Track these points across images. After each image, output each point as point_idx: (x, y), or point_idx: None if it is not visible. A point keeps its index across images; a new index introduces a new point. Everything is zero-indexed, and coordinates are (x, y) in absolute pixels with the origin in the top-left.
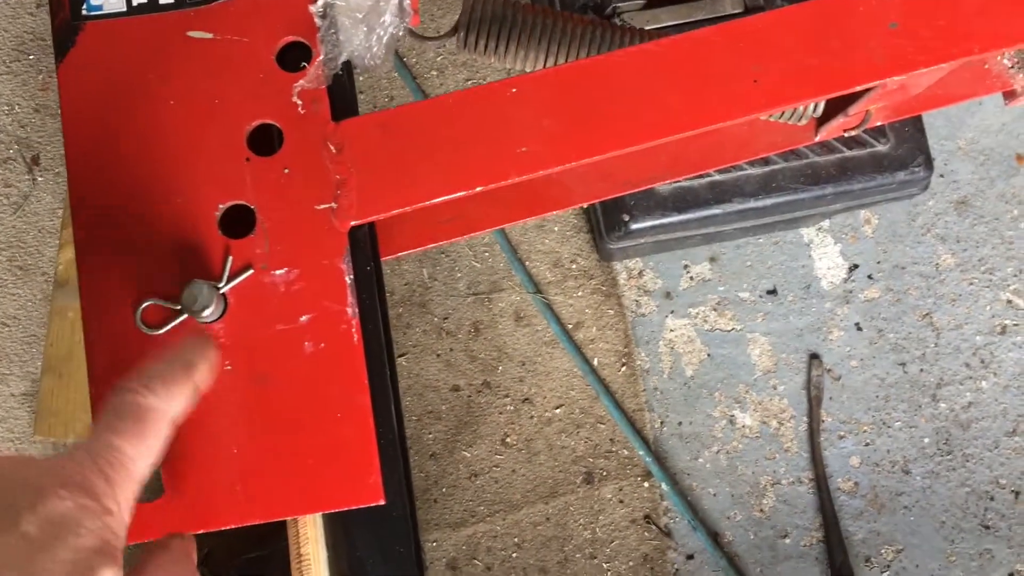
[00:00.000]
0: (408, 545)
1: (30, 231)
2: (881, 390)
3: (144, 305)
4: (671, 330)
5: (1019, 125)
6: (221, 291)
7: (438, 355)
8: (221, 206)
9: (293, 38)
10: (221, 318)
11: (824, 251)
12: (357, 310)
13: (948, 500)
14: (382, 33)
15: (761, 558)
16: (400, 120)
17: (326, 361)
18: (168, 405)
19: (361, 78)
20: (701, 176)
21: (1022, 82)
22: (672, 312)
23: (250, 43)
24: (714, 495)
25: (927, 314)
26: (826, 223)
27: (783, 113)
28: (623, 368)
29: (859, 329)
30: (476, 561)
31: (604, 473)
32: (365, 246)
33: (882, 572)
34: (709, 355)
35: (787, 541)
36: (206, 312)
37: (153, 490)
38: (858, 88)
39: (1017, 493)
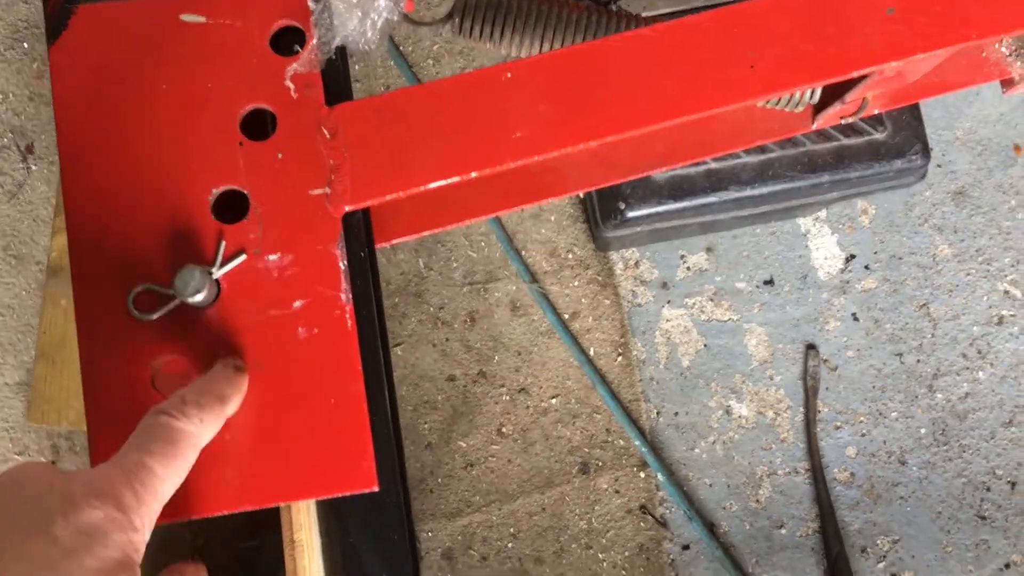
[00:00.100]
0: (402, 532)
1: (24, 220)
2: (878, 380)
3: (136, 290)
4: (667, 320)
5: (1017, 115)
6: (214, 276)
7: (434, 345)
8: (214, 191)
9: (287, 22)
10: (214, 303)
11: (821, 241)
12: (351, 296)
13: (944, 491)
14: (376, 18)
15: (757, 548)
16: (394, 105)
17: (320, 347)
18: (200, 431)
19: (357, 67)
20: (697, 164)
21: (1020, 70)
22: (668, 302)
23: (243, 27)
24: (710, 485)
25: (924, 304)
26: (823, 213)
27: (779, 100)
28: (619, 358)
29: (856, 319)
30: (472, 551)
31: (600, 463)
32: (359, 232)
33: (878, 562)
34: (705, 345)
35: (783, 531)
36: (199, 297)
37: None
38: (855, 74)
39: (1013, 484)
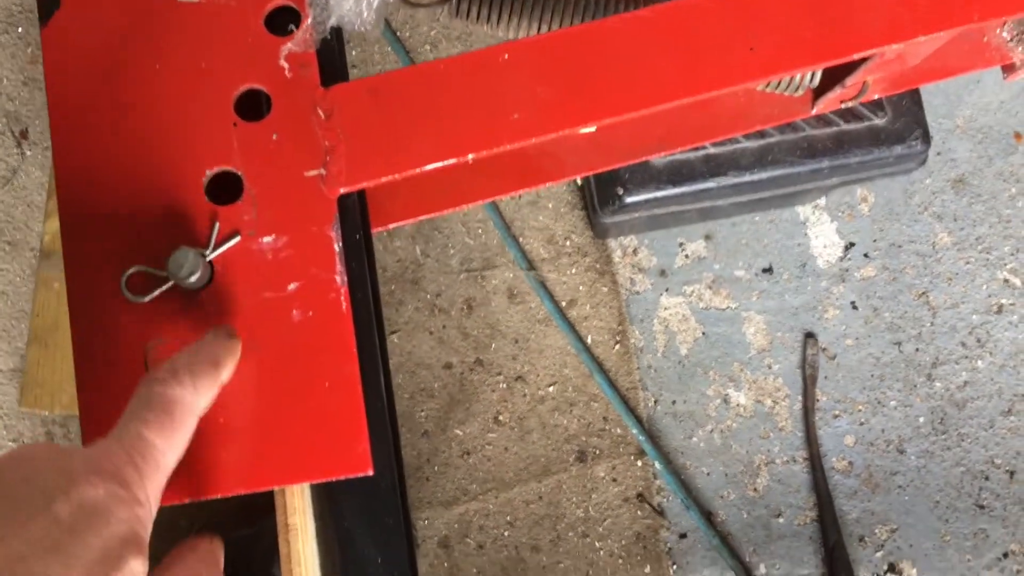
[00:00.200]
0: (397, 516)
1: (18, 206)
2: (876, 369)
3: (129, 272)
4: (665, 308)
5: (1017, 103)
6: (207, 258)
7: (430, 332)
8: (208, 172)
9: (281, 1)
10: (207, 285)
11: (820, 229)
12: (346, 278)
13: (943, 480)
14: None
15: (754, 537)
16: (391, 86)
17: (314, 329)
18: (195, 398)
19: (353, 52)
20: (696, 149)
21: (1021, 55)
22: (667, 290)
23: (238, 6)
24: (707, 474)
25: (923, 293)
26: (822, 201)
27: (779, 83)
28: (617, 346)
29: (855, 308)
30: (468, 539)
31: (597, 452)
32: (354, 214)
33: (876, 551)
34: (704, 333)
35: (781, 520)
36: (192, 279)
37: None
38: (855, 57)
39: (1012, 473)
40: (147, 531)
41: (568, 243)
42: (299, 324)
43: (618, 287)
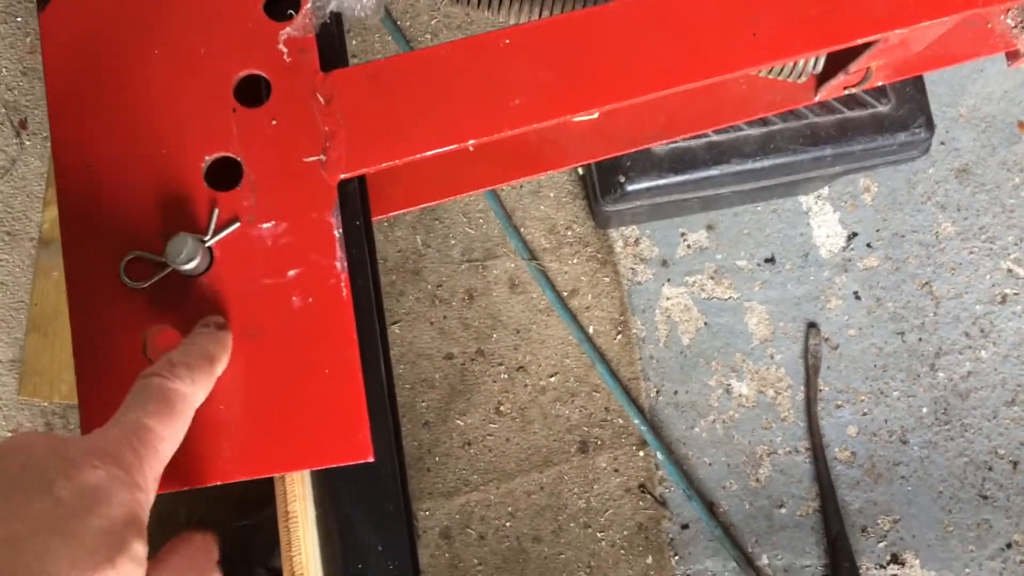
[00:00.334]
0: (397, 503)
1: (18, 196)
2: (879, 359)
3: (128, 258)
4: (667, 298)
5: (1021, 92)
6: (207, 244)
7: (431, 323)
8: (207, 158)
9: None
10: (207, 272)
11: (823, 219)
12: (346, 264)
13: (946, 470)
14: None
15: (757, 528)
16: (391, 71)
17: (314, 316)
18: (192, 390)
19: (354, 42)
20: (698, 137)
21: None
22: (669, 280)
23: None
24: (710, 465)
25: (926, 283)
26: (825, 190)
27: (782, 69)
28: (619, 336)
29: (857, 298)
30: (469, 530)
31: (599, 442)
32: (354, 200)
33: (879, 542)
34: (706, 323)
35: (783, 511)
36: (191, 265)
37: None
38: (859, 42)
39: (1015, 463)
40: (146, 514)
41: (570, 233)
42: (299, 310)
43: (620, 277)
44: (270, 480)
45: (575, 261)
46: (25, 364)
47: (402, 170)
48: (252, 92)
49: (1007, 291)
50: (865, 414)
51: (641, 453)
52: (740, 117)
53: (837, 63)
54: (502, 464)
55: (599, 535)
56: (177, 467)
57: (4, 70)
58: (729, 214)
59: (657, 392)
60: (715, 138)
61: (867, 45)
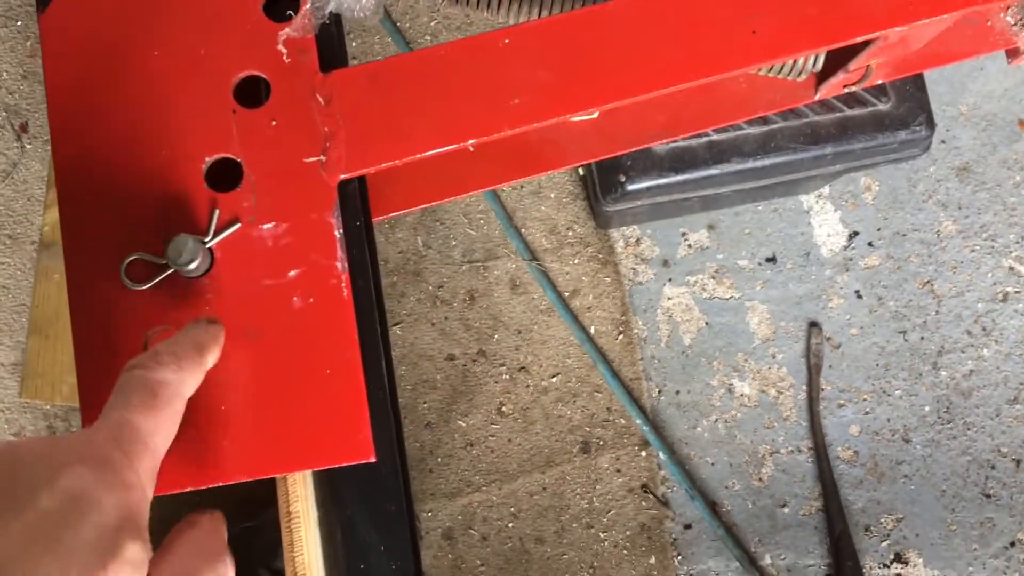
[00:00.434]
0: (399, 503)
1: (19, 199)
2: (881, 358)
3: (129, 259)
4: (669, 298)
5: (1022, 91)
6: (207, 245)
7: (433, 324)
8: (207, 159)
9: None
10: (208, 273)
11: (824, 218)
12: (347, 265)
13: (949, 469)
14: None
15: (759, 527)
16: (390, 71)
17: (315, 316)
18: (179, 378)
19: (354, 44)
20: (699, 136)
21: None
22: (670, 280)
23: None
24: (712, 464)
25: (928, 281)
26: (826, 190)
27: (782, 68)
28: (620, 336)
29: (859, 297)
30: (472, 531)
31: (601, 442)
32: (355, 200)
33: (882, 541)
34: (707, 323)
35: (786, 510)
36: (192, 266)
37: None
38: (859, 39)
39: (1018, 462)
40: (143, 514)
41: (570, 233)
42: (300, 311)
43: (621, 277)
44: (272, 481)
45: (576, 261)
46: (27, 366)
47: (402, 171)
48: (252, 93)
49: (1009, 289)
50: (867, 413)
51: (643, 453)
52: (740, 116)
53: (837, 61)
54: (504, 465)
55: (602, 535)
56: (180, 468)
57: (4, 74)
58: (730, 213)
59: (659, 392)
60: (715, 137)
61: (867, 43)
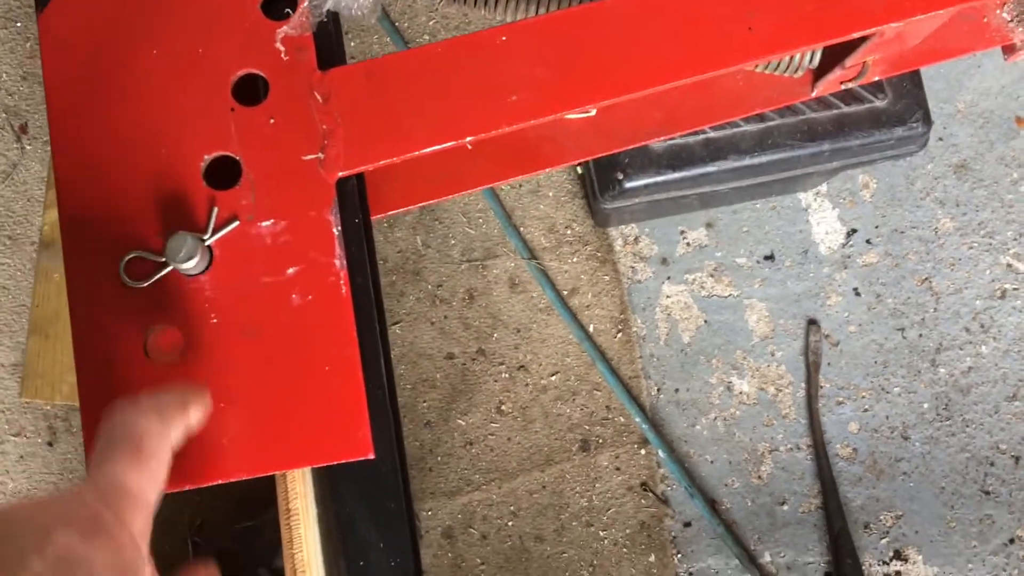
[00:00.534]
0: (399, 501)
1: (19, 200)
2: (880, 356)
3: (128, 257)
4: (667, 296)
5: (1019, 87)
6: (206, 243)
7: (432, 323)
8: (206, 157)
9: None
10: (207, 270)
11: (822, 216)
12: (345, 262)
13: (948, 466)
14: None
15: (759, 525)
16: (388, 69)
17: (314, 314)
18: (162, 427)
19: (352, 44)
20: (696, 133)
21: (1021, 36)
22: (668, 278)
23: None
24: (711, 462)
25: (926, 279)
26: (824, 187)
27: (779, 65)
28: (619, 335)
29: (857, 294)
30: (472, 530)
31: (600, 441)
32: (353, 198)
33: (881, 538)
34: (706, 321)
35: (785, 508)
36: (191, 263)
37: None
38: (855, 35)
39: (1017, 458)
40: (137, 571)
41: (569, 232)
42: (299, 308)
43: (619, 276)
44: (272, 481)
45: (575, 260)
46: (27, 366)
47: (400, 168)
48: (250, 91)
49: (1007, 286)
50: (866, 410)
51: (643, 451)
52: (737, 113)
53: (833, 58)
54: (504, 463)
55: (601, 534)
56: (180, 467)
57: (4, 75)
58: (728, 212)
59: (658, 390)
60: (712, 134)
61: (863, 39)
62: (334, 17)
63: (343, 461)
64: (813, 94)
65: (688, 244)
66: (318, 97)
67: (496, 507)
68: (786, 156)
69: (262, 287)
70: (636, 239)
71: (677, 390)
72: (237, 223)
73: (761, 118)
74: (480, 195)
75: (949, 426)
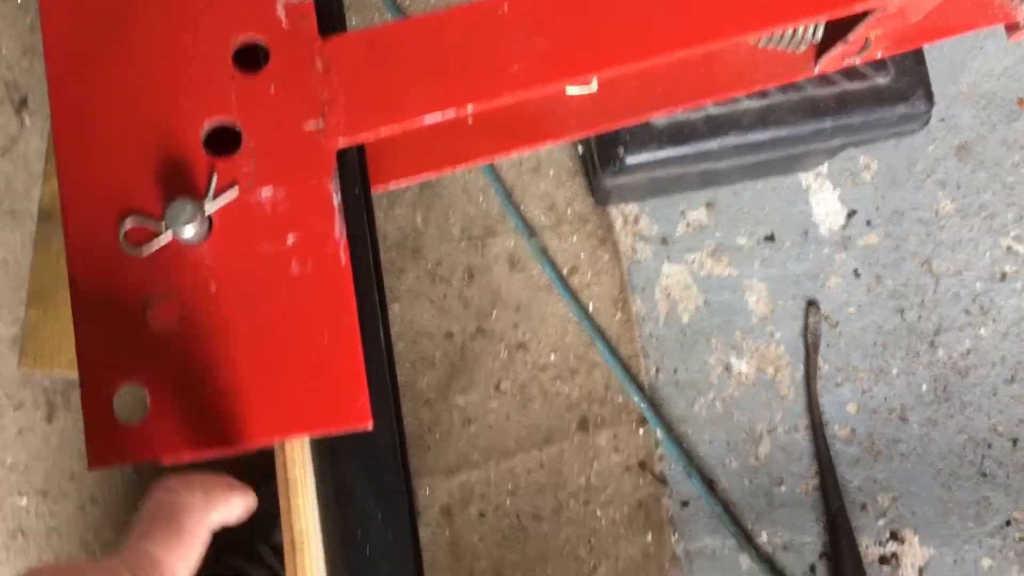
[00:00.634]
0: (397, 474)
1: (19, 175)
2: (879, 337)
3: (127, 224)
4: (667, 276)
5: (1021, 69)
6: (206, 210)
7: (431, 301)
8: (206, 124)
9: None
10: (206, 238)
11: (822, 196)
12: (345, 232)
13: (946, 447)
14: None
15: (756, 505)
16: (389, 37)
17: (313, 282)
18: (205, 506)
19: (354, 20)
20: (697, 109)
21: None
22: (668, 258)
23: None
24: (710, 442)
25: (926, 261)
26: (824, 168)
27: (781, 39)
28: (618, 314)
29: (857, 276)
30: (470, 508)
31: (599, 420)
32: (353, 168)
33: (878, 519)
34: (705, 301)
35: (783, 488)
36: (190, 230)
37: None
38: (858, 7)
39: (1015, 440)
40: None
41: (569, 210)
42: (298, 277)
43: (619, 255)
44: (271, 456)
45: (575, 239)
46: (24, 337)
47: (401, 141)
48: (251, 58)
49: (1007, 268)
50: (865, 392)
51: (641, 431)
52: (740, 89)
53: (836, 32)
54: (502, 442)
55: (599, 513)
56: (174, 435)
57: (4, 50)
58: (728, 192)
59: (657, 370)
60: (714, 111)
61: (866, 13)
62: None
63: (341, 430)
64: (816, 70)
65: (688, 224)
66: (319, 65)
67: (494, 485)
68: (788, 133)
69: (261, 255)
70: (636, 218)
71: (676, 370)
72: (236, 190)
73: (763, 95)
74: (480, 173)
75: (947, 408)
